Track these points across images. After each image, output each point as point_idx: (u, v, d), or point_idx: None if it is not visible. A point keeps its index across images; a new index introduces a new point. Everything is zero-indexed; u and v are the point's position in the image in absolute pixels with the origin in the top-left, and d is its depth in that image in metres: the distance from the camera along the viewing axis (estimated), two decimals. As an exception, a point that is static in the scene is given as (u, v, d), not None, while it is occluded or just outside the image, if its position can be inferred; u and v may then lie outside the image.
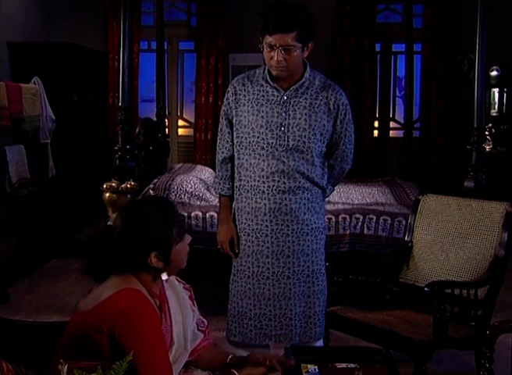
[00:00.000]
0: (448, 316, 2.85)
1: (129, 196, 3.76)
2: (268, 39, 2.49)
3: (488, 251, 3.25)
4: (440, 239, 3.39)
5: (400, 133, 6.89)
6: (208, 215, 4.11)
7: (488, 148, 6.52)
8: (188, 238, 1.98)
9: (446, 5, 6.62)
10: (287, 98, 2.61)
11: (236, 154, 2.71)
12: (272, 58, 2.52)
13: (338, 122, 2.67)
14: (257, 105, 2.63)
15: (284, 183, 2.63)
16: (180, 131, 7.34)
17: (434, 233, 3.43)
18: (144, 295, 1.82)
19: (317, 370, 2.14)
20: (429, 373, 3.14)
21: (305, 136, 2.61)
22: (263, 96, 2.64)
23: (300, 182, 2.64)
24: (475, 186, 3.95)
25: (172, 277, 2.06)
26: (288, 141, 2.61)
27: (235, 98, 2.70)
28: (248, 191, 2.69)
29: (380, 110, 7.07)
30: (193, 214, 4.11)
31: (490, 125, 6.53)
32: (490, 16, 3.95)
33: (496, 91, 6.64)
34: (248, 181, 2.69)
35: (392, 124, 7.18)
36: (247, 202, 2.70)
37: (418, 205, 3.55)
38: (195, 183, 4.51)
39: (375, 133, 7.06)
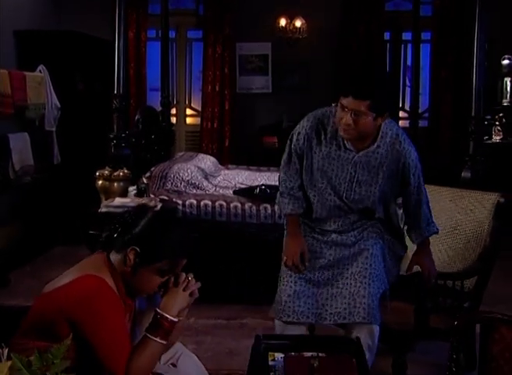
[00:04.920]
0: (430, 307, 2.82)
1: (121, 184, 3.79)
2: (343, 100, 2.45)
3: (479, 242, 3.20)
4: (431, 229, 3.35)
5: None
6: (202, 203, 4.11)
7: (498, 138, 6.42)
8: (162, 281, 1.91)
9: (456, -8, 6.51)
10: (358, 158, 2.59)
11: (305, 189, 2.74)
12: (341, 118, 2.47)
13: (407, 179, 2.64)
14: (328, 158, 2.61)
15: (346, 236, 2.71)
16: (188, 120, 7.37)
17: (425, 224, 3.38)
18: (106, 284, 1.81)
19: (282, 359, 2.13)
20: (416, 364, 3.14)
21: (371, 191, 2.63)
22: (335, 151, 2.59)
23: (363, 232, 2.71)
24: (472, 176, 3.91)
25: None
26: (354, 196, 2.64)
27: (307, 144, 2.64)
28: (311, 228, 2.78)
29: (390, 99, 6.98)
30: (187, 202, 4.12)
31: (501, 115, 6.42)
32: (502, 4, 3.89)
33: (507, 80, 6.50)
34: (311, 223, 2.77)
35: (401, 114, 7.09)
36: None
37: (411, 195, 3.50)
38: (192, 172, 4.52)
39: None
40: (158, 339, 1.84)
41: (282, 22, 6.78)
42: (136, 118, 4.86)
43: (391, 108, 2.54)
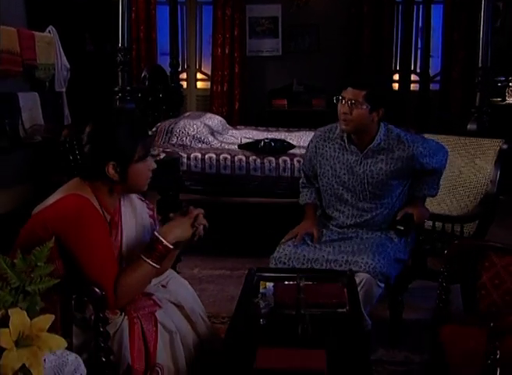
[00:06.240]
0: (427, 248, 2.83)
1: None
2: (342, 93, 2.67)
3: (481, 188, 3.20)
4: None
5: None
6: (206, 156, 4.12)
7: (512, 100, 6.33)
8: (151, 163, 1.97)
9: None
10: (365, 158, 2.74)
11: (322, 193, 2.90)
12: (340, 110, 2.68)
13: (423, 165, 2.73)
14: (339, 164, 2.80)
15: (363, 231, 2.79)
16: (199, 84, 7.36)
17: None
18: (90, 202, 1.86)
19: (272, 287, 2.15)
20: (413, 309, 3.16)
21: (385, 187, 2.74)
22: (343, 155, 2.79)
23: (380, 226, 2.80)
24: (478, 128, 3.85)
25: (134, 196, 2.09)
26: (368, 194, 2.76)
27: (317, 151, 2.87)
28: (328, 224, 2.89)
29: (401, 62, 6.90)
30: (192, 155, 4.14)
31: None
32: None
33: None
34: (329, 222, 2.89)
35: (413, 77, 7.00)
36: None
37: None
38: (198, 127, 4.52)
39: (395, 86, 6.90)
40: (150, 261, 1.87)
41: (293, -17, 6.72)
42: (143, 74, 4.86)
43: (386, 105, 2.69)
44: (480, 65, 3.86)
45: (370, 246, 2.62)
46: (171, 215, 2.00)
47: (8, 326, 1.36)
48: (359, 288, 2.37)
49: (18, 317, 1.38)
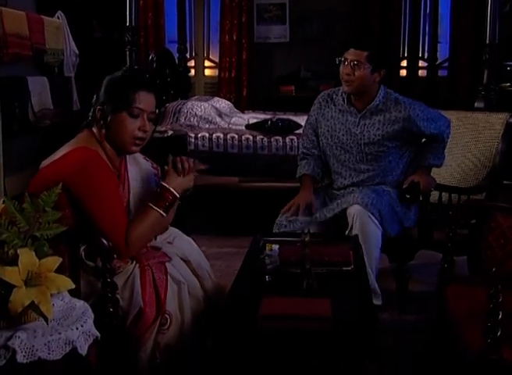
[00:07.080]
0: (434, 219, 2.84)
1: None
2: (345, 54, 2.76)
3: (488, 161, 3.20)
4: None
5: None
6: (214, 136, 4.15)
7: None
8: (143, 123, 1.93)
9: None
10: (362, 119, 2.81)
11: (323, 156, 2.98)
12: (342, 71, 2.76)
13: (415, 127, 2.79)
14: (338, 124, 2.88)
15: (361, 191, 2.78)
16: (207, 72, 7.37)
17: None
18: (98, 154, 1.88)
19: (277, 248, 2.16)
20: (423, 283, 3.17)
21: (382, 150, 2.80)
22: (343, 116, 2.86)
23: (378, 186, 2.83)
24: (485, 105, 3.85)
25: (138, 155, 2.11)
26: (364, 156, 2.82)
27: (319, 112, 2.95)
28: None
29: (409, 49, 6.88)
30: (200, 135, 4.16)
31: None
32: None
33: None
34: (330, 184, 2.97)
35: (422, 63, 6.96)
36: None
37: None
38: (206, 108, 4.55)
39: (403, 72, 6.89)
40: (158, 209, 1.90)
41: (300, -31, 6.70)
42: (151, 57, 4.89)
43: (385, 65, 2.79)
44: (488, 41, 3.86)
45: (363, 189, 2.74)
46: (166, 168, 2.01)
47: (17, 265, 1.39)
48: (353, 222, 2.48)
49: (27, 257, 1.41)
